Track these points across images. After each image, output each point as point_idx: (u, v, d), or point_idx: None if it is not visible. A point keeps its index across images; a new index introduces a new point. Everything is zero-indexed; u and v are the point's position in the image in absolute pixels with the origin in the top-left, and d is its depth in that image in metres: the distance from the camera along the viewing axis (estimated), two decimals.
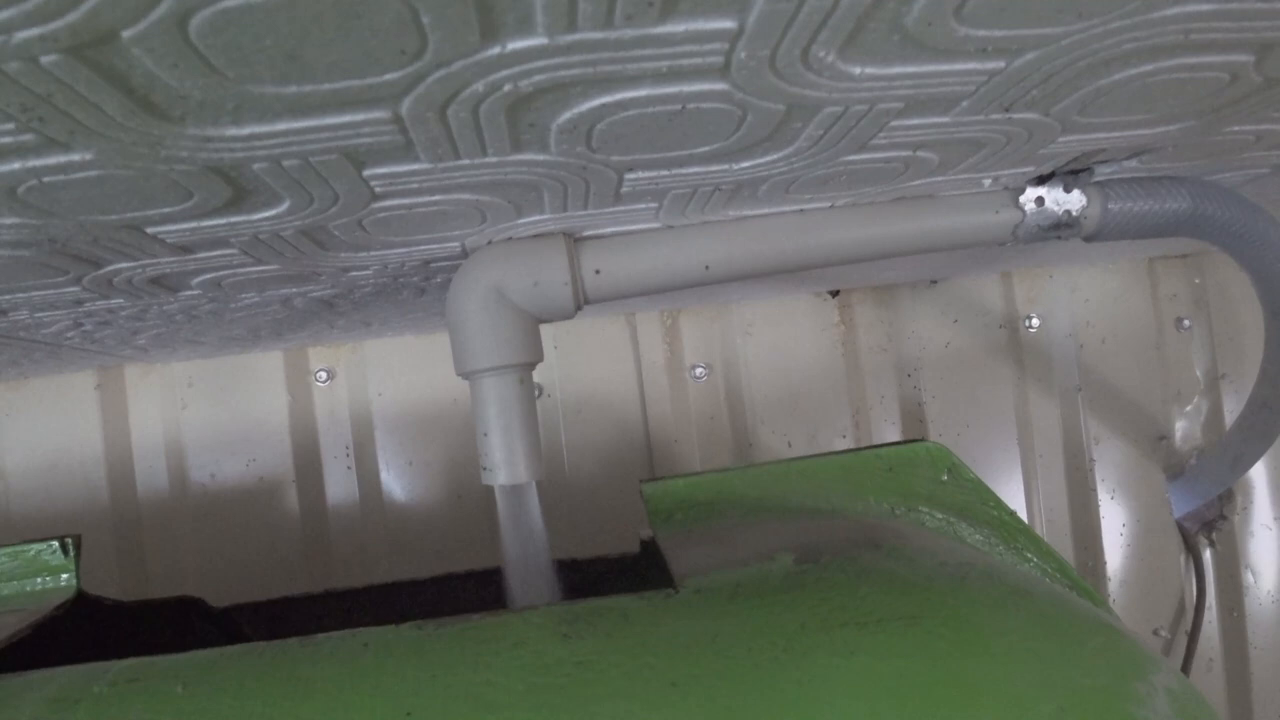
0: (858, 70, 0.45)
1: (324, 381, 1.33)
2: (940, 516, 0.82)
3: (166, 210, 0.54)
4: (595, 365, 1.38)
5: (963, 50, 0.45)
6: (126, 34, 0.33)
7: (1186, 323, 1.49)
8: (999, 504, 0.82)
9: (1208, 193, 0.81)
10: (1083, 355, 1.46)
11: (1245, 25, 0.46)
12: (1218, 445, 1.40)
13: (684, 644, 0.59)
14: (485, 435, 0.73)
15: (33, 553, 0.85)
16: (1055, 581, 0.80)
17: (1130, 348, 1.48)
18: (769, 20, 0.38)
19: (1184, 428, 1.50)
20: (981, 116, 0.55)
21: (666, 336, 1.39)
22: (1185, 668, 1.43)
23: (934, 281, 1.43)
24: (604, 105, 0.46)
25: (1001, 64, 0.47)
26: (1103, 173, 0.78)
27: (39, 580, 0.85)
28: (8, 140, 0.40)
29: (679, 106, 0.47)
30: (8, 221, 0.51)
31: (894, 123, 0.54)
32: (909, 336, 1.44)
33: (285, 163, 0.48)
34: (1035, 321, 1.46)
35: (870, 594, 0.63)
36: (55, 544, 0.85)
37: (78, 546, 0.86)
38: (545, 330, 1.35)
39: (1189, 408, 1.50)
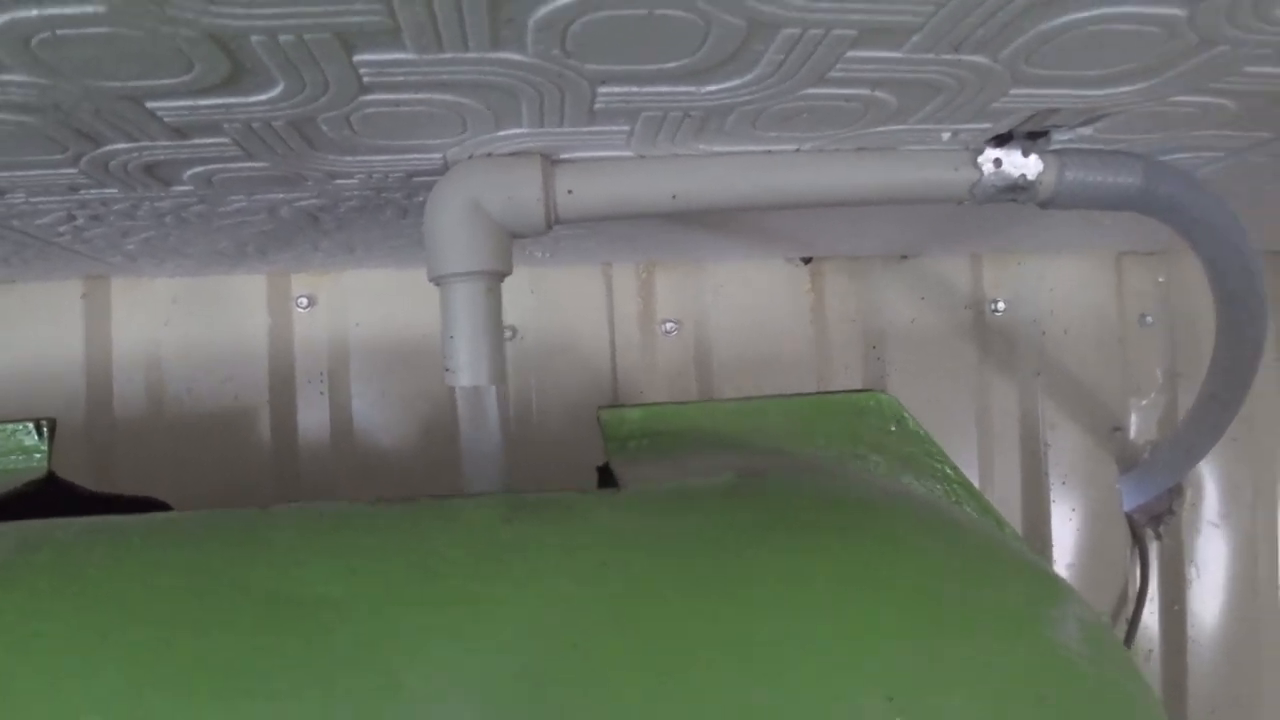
0: None
1: (305, 307, 1.36)
2: (886, 465, 0.85)
3: (168, 82, 0.57)
4: (570, 312, 1.41)
5: None
6: None
7: (1149, 319, 1.53)
8: (943, 457, 0.85)
9: (1161, 172, 0.84)
10: (1045, 343, 1.50)
11: None
12: (1169, 438, 1.43)
13: (620, 533, 0.62)
14: (451, 338, 0.77)
15: (8, 431, 0.88)
16: None
17: (1092, 339, 1.51)
18: None
19: (1139, 422, 1.54)
20: (933, 55, 0.59)
21: (641, 290, 1.42)
22: None
23: (904, 257, 1.47)
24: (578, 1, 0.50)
25: None
26: (1060, 140, 0.81)
27: (13, 458, 0.88)
28: None
29: (646, 11, 0.51)
30: (18, 79, 0.54)
31: (849, 53, 0.58)
32: (876, 310, 1.47)
33: (281, 37, 0.51)
34: (1001, 305, 1.49)
35: (805, 506, 0.67)
36: (30, 425, 0.88)
37: (52, 429, 0.89)
38: (522, 275, 1.38)
39: (1145, 402, 1.53)
